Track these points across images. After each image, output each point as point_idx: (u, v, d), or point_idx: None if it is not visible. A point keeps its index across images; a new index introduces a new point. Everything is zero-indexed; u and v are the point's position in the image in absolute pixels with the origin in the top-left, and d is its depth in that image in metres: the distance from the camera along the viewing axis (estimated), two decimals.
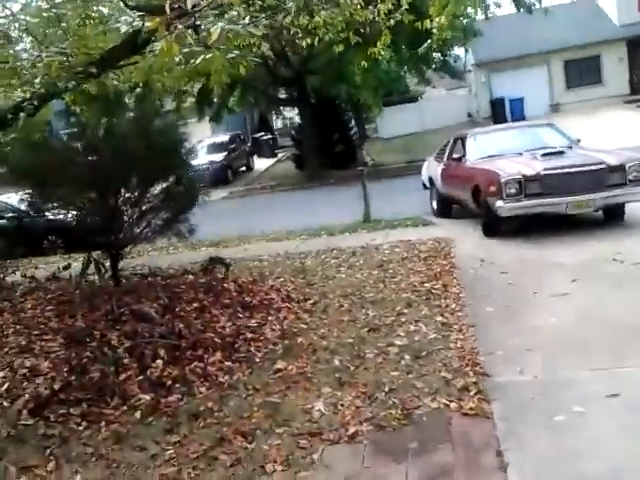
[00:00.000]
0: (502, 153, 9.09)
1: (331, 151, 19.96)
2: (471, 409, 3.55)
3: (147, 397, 3.96)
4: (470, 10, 6.88)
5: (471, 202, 8.85)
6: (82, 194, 5.85)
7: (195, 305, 5.35)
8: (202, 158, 17.79)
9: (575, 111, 26.73)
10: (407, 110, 29.52)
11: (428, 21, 6.74)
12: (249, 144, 26.76)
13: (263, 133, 28.86)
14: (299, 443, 3.35)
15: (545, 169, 7.81)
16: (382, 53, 7.50)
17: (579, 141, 9.58)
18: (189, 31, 3.22)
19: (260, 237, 10.38)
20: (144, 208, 5.91)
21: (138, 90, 8.09)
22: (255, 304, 5.74)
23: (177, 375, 4.21)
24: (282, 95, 21.09)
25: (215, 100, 18.66)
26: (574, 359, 4.16)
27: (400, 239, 8.64)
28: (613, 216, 8.17)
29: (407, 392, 3.84)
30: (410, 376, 4.08)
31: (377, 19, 6.58)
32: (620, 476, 2.82)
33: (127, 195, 5.99)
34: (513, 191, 7.72)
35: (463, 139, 10.11)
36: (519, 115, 26.65)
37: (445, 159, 10.49)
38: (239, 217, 12.01)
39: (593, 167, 7.76)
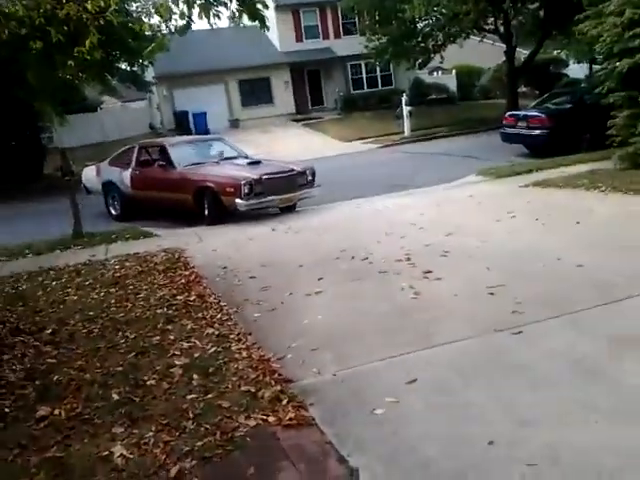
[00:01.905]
0: (203, 161, 10.97)
1: (8, 164, 17.34)
2: (291, 419, 3.32)
3: None
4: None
5: (188, 202, 10.30)
6: None
7: None
8: None
9: (252, 127, 28.78)
10: (86, 120, 27.75)
11: (147, 25, 6.38)
12: None
13: None
14: None
15: (265, 174, 10.04)
16: (94, 54, 6.78)
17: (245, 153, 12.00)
18: None
19: None
20: None
21: None
22: None
23: None
24: None
25: None
26: (358, 351, 4.25)
27: (126, 252, 7.95)
28: (288, 209, 10.61)
29: (216, 414, 3.41)
30: (210, 396, 3.65)
31: (84, 17, 5.94)
32: (454, 455, 2.93)
33: None
34: (247, 191, 9.71)
35: (150, 148, 11.94)
36: (202, 128, 27.43)
37: (134, 165, 11.49)
38: None
39: (291, 173, 10.45)
